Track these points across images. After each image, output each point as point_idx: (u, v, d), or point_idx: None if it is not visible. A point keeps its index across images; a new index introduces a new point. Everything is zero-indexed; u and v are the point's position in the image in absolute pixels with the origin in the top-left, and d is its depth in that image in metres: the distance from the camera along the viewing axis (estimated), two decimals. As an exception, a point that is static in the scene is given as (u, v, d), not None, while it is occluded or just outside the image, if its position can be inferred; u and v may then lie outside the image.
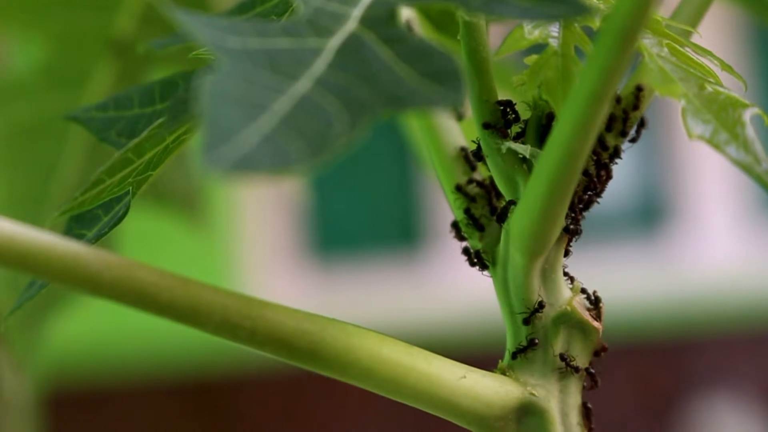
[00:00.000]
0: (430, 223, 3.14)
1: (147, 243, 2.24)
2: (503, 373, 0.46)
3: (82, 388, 3.11)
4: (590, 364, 0.47)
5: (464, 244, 0.48)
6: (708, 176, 3.11)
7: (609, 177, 0.47)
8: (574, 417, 0.46)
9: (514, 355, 0.46)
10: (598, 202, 0.47)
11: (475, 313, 2.91)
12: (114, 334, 3.07)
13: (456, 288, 3.03)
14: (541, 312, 0.46)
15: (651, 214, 3.17)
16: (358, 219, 3.25)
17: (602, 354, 0.47)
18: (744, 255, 3.11)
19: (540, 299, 0.46)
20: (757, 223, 3.12)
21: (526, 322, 0.46)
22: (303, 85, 0.35)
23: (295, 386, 3.04)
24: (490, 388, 0.45)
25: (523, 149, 0.45)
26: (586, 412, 0.47)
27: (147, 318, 0.42)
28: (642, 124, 0.47)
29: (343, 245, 3.22)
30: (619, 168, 0.47)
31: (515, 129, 0.46)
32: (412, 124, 0.75)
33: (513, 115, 0.46)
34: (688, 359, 3.06)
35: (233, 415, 3.11)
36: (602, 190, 0.47)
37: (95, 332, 3.04)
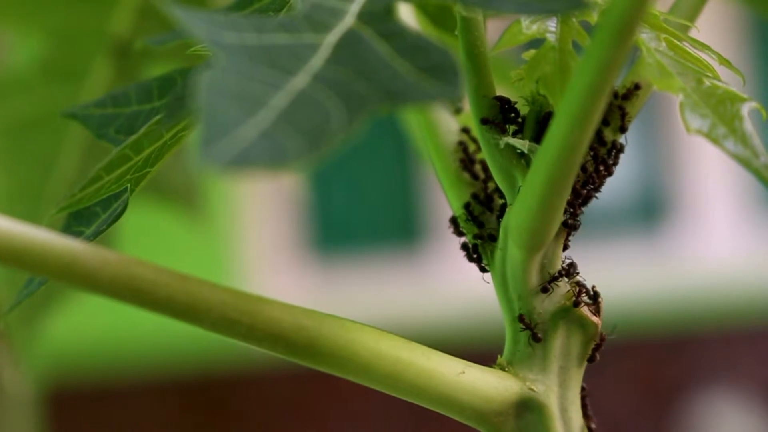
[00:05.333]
0: (429, 219, 3.14)
1: (147, 239, 2.24)
2: (502, 368, 0.46)
3: (82, 384, 3.11)
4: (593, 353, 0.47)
5: (463, 239, 0.48)
6: (709, 171, 3.11)
7: (608, 172, 0.47)
8: (574, 412, 0.46)
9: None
10: (596, 197, 0.47)
11: (475, 308, 2.91)
12: (114, 330, 3.07)
13: (455, 284, 3.03)
14: (559, 282, 0.46)
15: (651, 210, 3.16)
16: (358, 215, 3.25)
17: (601, 346, 0.47)
18: (745, 250, 3.11)
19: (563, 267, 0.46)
20: (757, 218, 3.12)
21: (545, 289, 0.46)
22: (300, 80, 0.35)
23: (296, 383, 3.04)
24: (489, 384, 0.45)
25: (521, 144, 0.45)
26: (586, 407, 0.47)
27: (147, 314, 0.42)
28: (621, 149, 0.47)
29: (343, 241, 3.22)
30: (619, 163, 0.47)
31: (513, 124, 0.46)
32: (411, 120, 0.75)
33: (511, 111, 0.46)
34: (689, 355, 3.06)
35: (233, 412, 3.11)
36: (601, 185, 0.47)
37: (96, 329, 3.04)
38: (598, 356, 0.47)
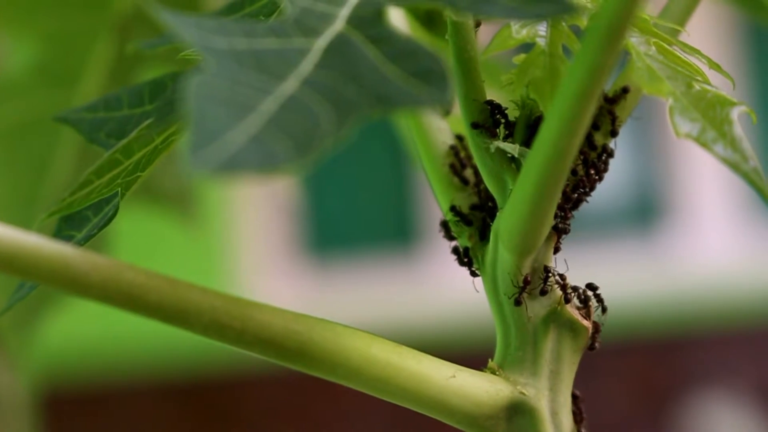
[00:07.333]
0: (424, 221, 3.14)
1: (140, 244, 2.24)
2: (493, 372, 0.46)
3: (78, 388, 3.11)
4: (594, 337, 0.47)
5: (454, 243, 0.48)
6: (703, 173, 3.11)
7: (598, 176, 0.47)
8: (564, 415, 0.46)
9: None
10: (587, 201, 0.47)
11: (468, 311, 2.91)
12: (110, 334, 3.07)
13: (450, 286, 3.03)
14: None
15: (646, 211, 3.17)
16: (353, 218, 3.25)
17: (598, 332, 0.47)
18: (739, 252, 3.11)
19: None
20: (752, 219, 3.12)
21: (543, 292, 0.46)
22: (290, 85, 0.35)
23: (291, 386, 3.04)
24: (479, 387, 0.45)
25: (512, 148, 0.45)
26: (577, 410, 0.47)
27: (142, 318, 0.42)
28: (610, 154, 0.47)
29: (338, 244, 3.22)
30: (614, 165, 0.47)
31: (503, 128, 0.46)
32: (403, 123, 0.75)
33: (501, 115, 0.46)
34: (684, 356, 3.06)
35: (229, 416, 3.11)
36: (592, 189, 0.47)
37: (91, 332, 3.04)
38: (597, 344, 0.47)
